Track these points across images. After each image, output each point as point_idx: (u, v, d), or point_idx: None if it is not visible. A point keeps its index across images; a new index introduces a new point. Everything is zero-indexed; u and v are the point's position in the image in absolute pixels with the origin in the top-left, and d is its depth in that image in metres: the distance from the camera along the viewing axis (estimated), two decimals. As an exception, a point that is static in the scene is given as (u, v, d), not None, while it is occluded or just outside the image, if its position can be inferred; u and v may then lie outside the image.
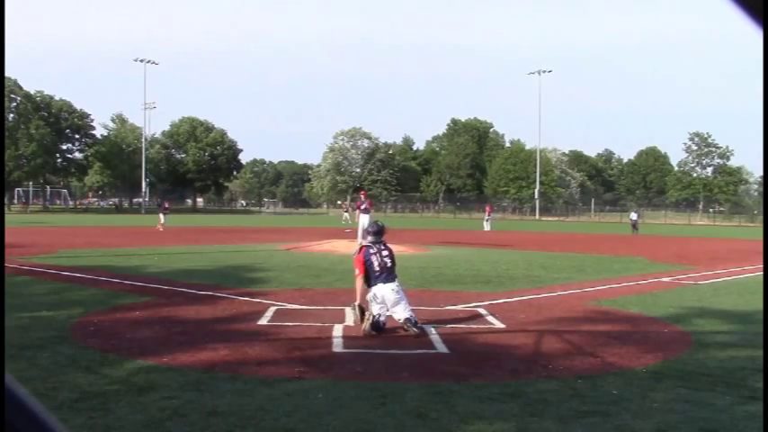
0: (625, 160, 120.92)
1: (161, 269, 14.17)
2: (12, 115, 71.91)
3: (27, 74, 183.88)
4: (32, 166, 73.33)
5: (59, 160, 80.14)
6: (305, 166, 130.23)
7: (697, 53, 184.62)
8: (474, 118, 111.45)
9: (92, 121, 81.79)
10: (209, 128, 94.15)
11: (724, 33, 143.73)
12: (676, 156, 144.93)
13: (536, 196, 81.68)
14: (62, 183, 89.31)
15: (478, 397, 5.00)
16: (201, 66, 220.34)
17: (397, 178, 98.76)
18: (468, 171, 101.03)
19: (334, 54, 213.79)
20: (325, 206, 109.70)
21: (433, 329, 7.55)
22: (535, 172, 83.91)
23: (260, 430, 4.20)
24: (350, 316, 8.35)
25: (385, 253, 7.71)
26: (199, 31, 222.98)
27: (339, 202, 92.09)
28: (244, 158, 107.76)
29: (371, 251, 7.72)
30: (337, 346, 6.80)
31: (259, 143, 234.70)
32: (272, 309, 8.87)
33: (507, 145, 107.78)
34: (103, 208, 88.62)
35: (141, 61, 76.61)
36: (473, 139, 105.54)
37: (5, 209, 62.53)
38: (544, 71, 79.09)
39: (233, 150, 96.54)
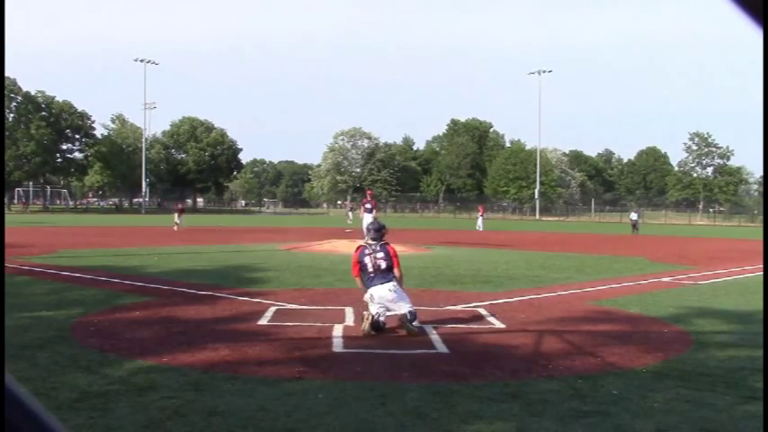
0: (625, 160, 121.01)
1: (161, 269, 14.16)
2: (12, 115, 71.92)
3: (27, 74, 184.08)
4: (32, 166, 73.36)
5: (59, 160, 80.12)
6: (305, 166, 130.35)
7: (697, 53, 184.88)
8: (474, 118, 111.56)
9: (92, 121, 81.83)
10: (209, 128, 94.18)
11: (724, 33, 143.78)
12: (676, 156, 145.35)
13: (536, 196, 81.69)
14: (62, 183, 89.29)
15: (478, 397, 5.00)
16: (201, 66, 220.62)
17: (397, 178, 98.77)
18: (468, 171, 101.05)
19: (335, 54, 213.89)
20: (326, 206, 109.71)
21: (433, 329, 7.55)
22: (535, 172, 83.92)
23: (260, 430, 4.20)
24: (350, 316, 8.36)
25: (380, 255, 7.60)
26: (199, 31, 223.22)
27: (342, 203, 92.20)
28: (244, 158, 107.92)
29: (366, 251, 7.67)
30: (337, 346, 6.80)
31: (259, 143, 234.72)
32: (272, 309, 8.87)
33: (507, 145, 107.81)
34: (103, 208, 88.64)
35: (141, 61, 76.74)
36: (473, 139, 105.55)
37: (5, 209, 62.52)
38: (544, 71, 79.24)
39: (233, 150, 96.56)
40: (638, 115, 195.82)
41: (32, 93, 75.13)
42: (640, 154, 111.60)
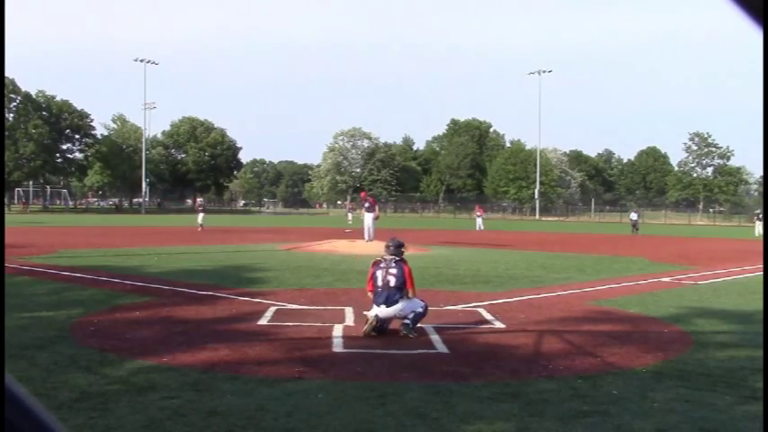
0: (625, 160, 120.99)
1: (161, 269, 14.16)
2: (11, 115, 71.89)
3: (27, 74, 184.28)
4: (32, 166, 73.29)
5: (59, 160, 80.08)
6: (305, 166, 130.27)
7: (697, 53, 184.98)
8: (474, 118, 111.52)
9: (92, 121, 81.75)
10: (209, 128, 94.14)
11: (724, 33, 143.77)
12: (676, 156, 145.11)
13: (536, 196, 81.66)
14: (62, 183, 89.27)
15: (478, 397, 5.00)
16: (201, 66, 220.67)
17: (397, 178, 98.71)
18: (468, 171, 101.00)
19: (335, 54, 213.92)
20: (326, 206, 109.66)
21: (433, 329, 7.55)
22: (535, 172, 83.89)
23: (260, 430, 4.20)
24: (350, 316, 8.36)
25: (393, 271, 7.41)
26: (199, 31, 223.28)
27: (342, 203, 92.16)
28: (244, 158, 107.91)
29: (381, 265, 7.53)
30: (337, 346, 6.80)
31: (259, 143, 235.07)
32: (272, 309, 8.87)
33: (507, 145, 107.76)
34: (103, 208, 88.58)
35: (141, 61, 76.63)
36: (473, 139, 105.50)
37: (5, 209, 62.52)
38: (544, 71, 79.16)
39: (233, 150, 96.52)
40: (638, 115, 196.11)
41: (32, 93, 75.15)
42: (640, 154, 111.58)
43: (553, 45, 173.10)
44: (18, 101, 72.58)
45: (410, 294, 7.41)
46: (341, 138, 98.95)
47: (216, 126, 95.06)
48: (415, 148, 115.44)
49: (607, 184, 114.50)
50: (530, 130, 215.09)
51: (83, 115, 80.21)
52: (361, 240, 21.41)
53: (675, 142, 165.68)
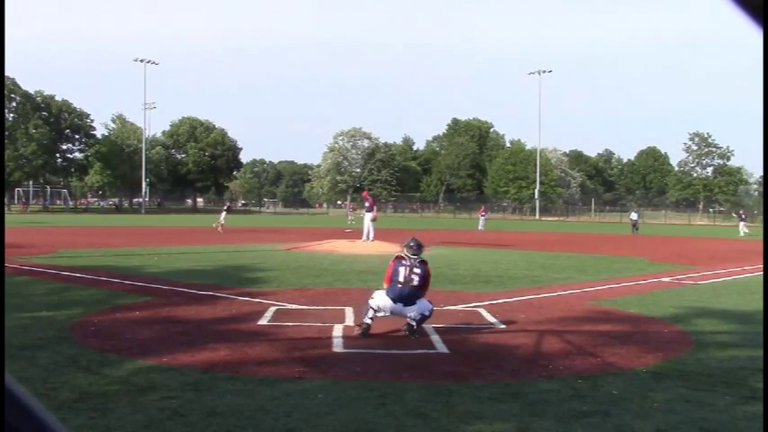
0: (625, 160, 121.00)
1: (161, 269, 14.16)
2: (11, 115, 71.86)
3: (27, 73, 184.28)
4: (32, 166, 73.27)
5: (59, 160, 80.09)
6: (305, 166, 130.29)
7: (697, 53, 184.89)
8: (474, 118, 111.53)
9: (92, 121, 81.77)
10: (209, 128, 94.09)
11: (724, 33, 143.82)
12: (676, 156, 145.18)
13: (536, 196, 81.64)
14: (62, 183, 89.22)
15: (478, 397, 5.00)
16: (201, 66, 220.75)
17: (397, 178, 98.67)
18: (468, 171, 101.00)
19: (335, 54, 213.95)
20: (326, 206, 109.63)
21: (433, 329, 7.55)
22: (535, 172, 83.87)
23: (260, 430, 4.20)
24: (350, 316, 8.36)
25: (417, 270, 7.38)
26: (198, 31, 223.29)
27: (342, 203, 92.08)
28: (244, 158, 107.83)
29: (405, 262, 7.46)
30: (337, 346, 6.80)
31: (259, 143, 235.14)
32: (272, 309, 8.87)
33: (507, 145, 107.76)
34: (103, 208, 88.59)
35: (141, 61, 76.62)
36: (473, 139, 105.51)
37: (5, 209, 62.50)
38: (544, 71, 79.15)
39: (233, 150, 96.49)
40: (638, 115, 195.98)
41: (32, 92, 75.10)
42: (640, 154, 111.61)
43: (553, 45, 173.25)
44: (18, 100, 72.54)
45: (423, 294, 7.45)
46: (341, 138, 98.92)
47: (216, 126, 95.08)
48: (415, 148, 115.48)
49: (607, 184, 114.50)
50: (530, 130, 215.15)
51: (83, 115, 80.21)
52: (361, 240, 21.45)
53: (675, 142, 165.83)
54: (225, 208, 35.69)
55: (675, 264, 17.93)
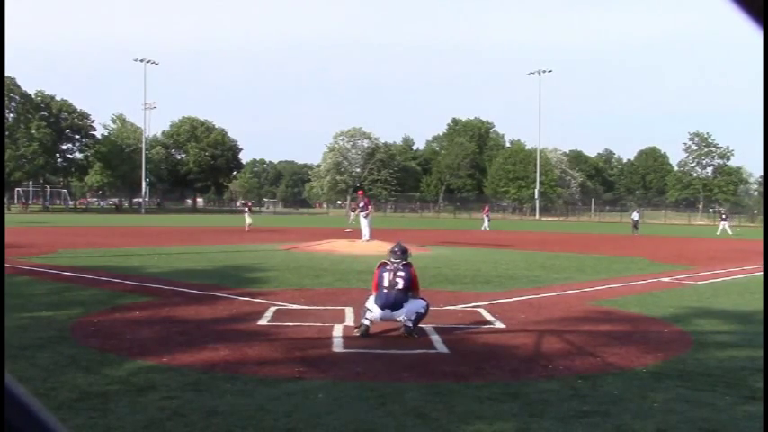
0: (625, 160, 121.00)
1: (161, 269, 14.16)
2: (11, 115, 71.84)
3: (27, 74, 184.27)
4: (32, 166, 73.22)
5: (60, 160, 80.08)
6: (305, 166, 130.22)
7: (697, 53, 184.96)
8: (474, 118, 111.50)
9: (92, 121, 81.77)
10: (209, 128, 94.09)
11: (724, 33, 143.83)
12: (676, 156, 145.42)
13: (536, 196, 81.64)
14: (62, 183, 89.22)
15: (478, 397, 5.00)
16: (201, 66, 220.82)
17: (397, 178, 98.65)
18: (468, 171, 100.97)
19: (334, 54, 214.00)
20: (325, 206, 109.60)
21: (433, 329, 7.55)
22: (535, 172, 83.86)
23: (260, 430, 4.20)
24: (350, 316, 8.36)
25: (401, 273, 7.45)
26: (199, 31, 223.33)
27: (342, 203, 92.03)
28: (244, 158, 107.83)
29: (388, 267, 7.56)
30: (337, 346, 6.80)
31: (259, 143, 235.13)
32: (272, 309, 8.87)
33: (507, 145, 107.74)
34: (103, 208, 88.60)
35: (141, 61, 76.59)
36: (473, 139, 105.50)
37: (5, 209, 62.49)
38: (544, 71, 79.14)
39: (233, 150, 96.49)
40: (638, 115, 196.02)
41: (31, 93, 75.08)
42: (640, 154, 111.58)
43: (553, 45, 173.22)
44: (17, 100, 72.52)
45: (415, 294, 7.47)
46: (341, 138, 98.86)
47: (216, 126, 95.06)
48: (415, 148, 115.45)
49: (607, 184, 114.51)
50: (530, 130, 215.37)
51: (83, 115, 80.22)
52: (360, 240, 21.46)
53: (675, 142, 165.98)
54: (247, 209, 35.79)
55: (675, 264, 17.93)
